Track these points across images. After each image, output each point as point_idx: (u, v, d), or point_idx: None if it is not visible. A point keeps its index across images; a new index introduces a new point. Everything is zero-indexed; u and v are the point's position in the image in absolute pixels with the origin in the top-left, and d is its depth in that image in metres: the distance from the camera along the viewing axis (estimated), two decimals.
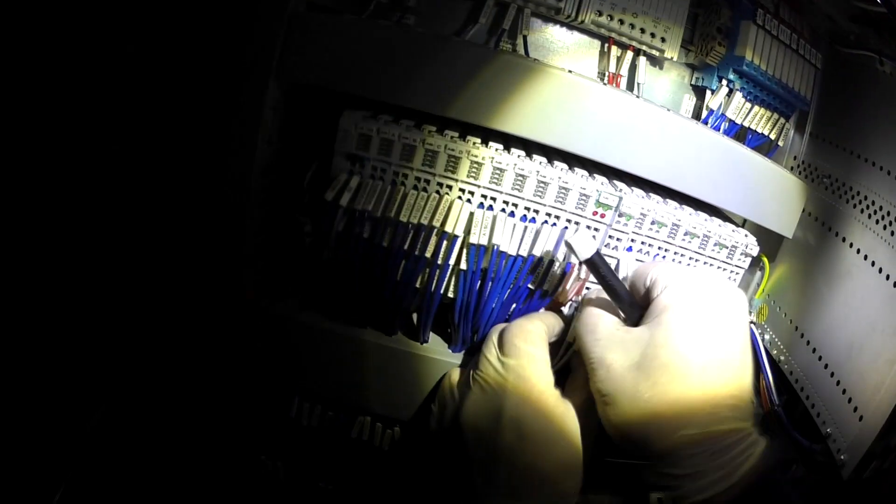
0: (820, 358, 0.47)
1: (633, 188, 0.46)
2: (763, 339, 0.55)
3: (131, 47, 0.49)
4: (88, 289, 0.51)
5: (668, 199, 0.47)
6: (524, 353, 0.38)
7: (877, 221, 0.44)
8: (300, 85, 0.42)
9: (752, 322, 0.56)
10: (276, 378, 0.47)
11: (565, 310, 0.44)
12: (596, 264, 0.37)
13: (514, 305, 0.44)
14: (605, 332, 0.37)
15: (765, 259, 0.57)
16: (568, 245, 0.38)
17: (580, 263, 0.38)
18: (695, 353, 0.34)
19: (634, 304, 0.39)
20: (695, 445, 0.33)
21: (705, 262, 0.49)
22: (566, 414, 0.38)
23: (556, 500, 0.38)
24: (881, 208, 0.44)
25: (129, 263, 0.51)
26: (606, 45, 0.49)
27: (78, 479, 0.50)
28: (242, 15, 0.42)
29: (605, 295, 0.40)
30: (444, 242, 0.41)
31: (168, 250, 0.49)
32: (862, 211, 0.46)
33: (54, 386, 0.50)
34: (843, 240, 0.48)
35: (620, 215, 0.44)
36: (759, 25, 0.45)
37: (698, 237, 0.47)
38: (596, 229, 0.44)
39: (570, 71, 0.43)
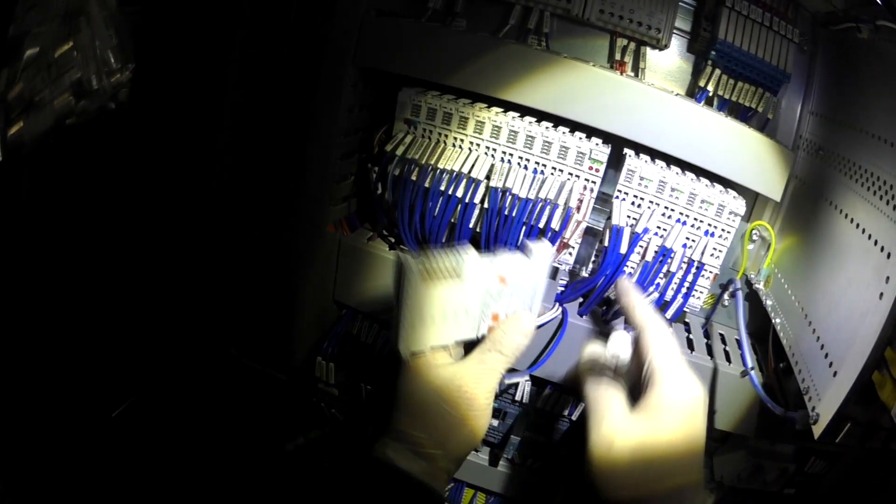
0: (806, 316, 0.53)
1: (639, 155, 0.57)
2: (767, 305, 0.62)
3: (242, 33, 0.66)
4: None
5: (658, 161, 0.58)
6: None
7: (862, 184, 0.50)
8: (371, 69, 0.58)
9: (759, 288, 0.65)
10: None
11: None
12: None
13: None
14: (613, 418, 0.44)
15: (770, 230, 0.65)
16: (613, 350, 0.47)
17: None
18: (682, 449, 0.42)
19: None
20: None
21: (695, 219, 0.58)
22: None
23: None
24: (860, 168, 0.50)
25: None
26: (613, 36, 0.60)
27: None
28: (326, 16, 0.58)
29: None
30: (472, 186, 0.55)
31: (268, 196, 0.67)
32: (847, 175, 0.53)
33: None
34: (834, 206, 0.54)
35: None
36: (729, 8, 0.55)
37: (684, 193, 0.57)
38: (594, 182, 0.56)
39: (576, 59, 0.55)
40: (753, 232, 0.65)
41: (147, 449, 0.72)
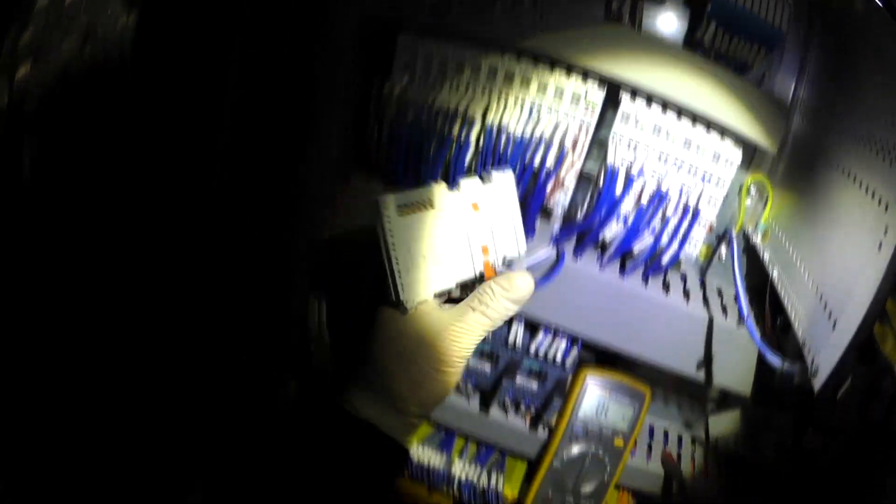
0: (804, 269, 0.53)
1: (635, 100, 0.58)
2: (764, 260, 0.61)
3: None
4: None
5: (654, 106, 0.58)
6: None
7: (858, 142, 0.50)
8: (373, 16, 0.59)
9: (756, 243, 0.65)
10: None
11: None
12: None
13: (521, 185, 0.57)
14: None
15: (767, 184, 0.65)
16: None
17: None
18: None
19: None
20: None
21: (691, 165, 0.59)
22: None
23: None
24: (856, 127, 0.51)
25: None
26: None
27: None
28: None
29: None
30: (467, 125, 0.56)
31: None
32: (844, 135, 0.53)
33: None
34: (831, 163, 0.54)
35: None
36: None
37: (679, 138, 0.58)
38: (589, 123, 0.57)
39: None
40: (751, 187, 0.65)
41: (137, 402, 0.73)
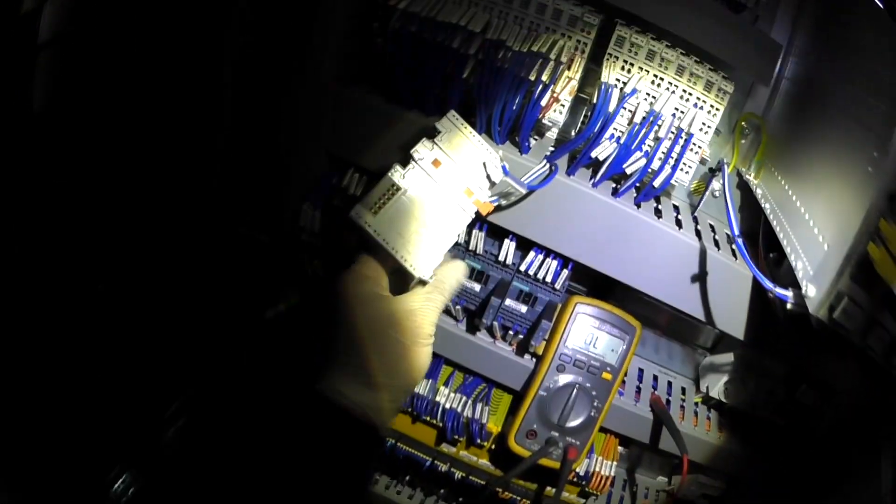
0: (796, 199, 0.54)
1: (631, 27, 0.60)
2: (757, 195, 0.62)
3: None
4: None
5: (649, 33, 0.60)
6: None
7: (848, 78, 0.52)
8: None
9: (749, 179, 0.65)
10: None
11: None
12: None
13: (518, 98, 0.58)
14: None
15: (761, 121, 0.66)
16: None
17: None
18: None
19: None
20: None
21: (684, 90, 0.60)
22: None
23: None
24: (846, 63, 0.53)
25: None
26: None
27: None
28: None
29: None
30: (467, 37, 0.58)
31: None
32: (835, 73, 0.55)
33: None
34: (822, 100, 0.56)
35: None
36: None
37: (673, 64, 0.59)
38: (585, 44, 0.59)
39: None
40: (745, 125, 0.66)
41: (128, 322, 0.73)
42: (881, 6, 0.47)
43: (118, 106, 0.69)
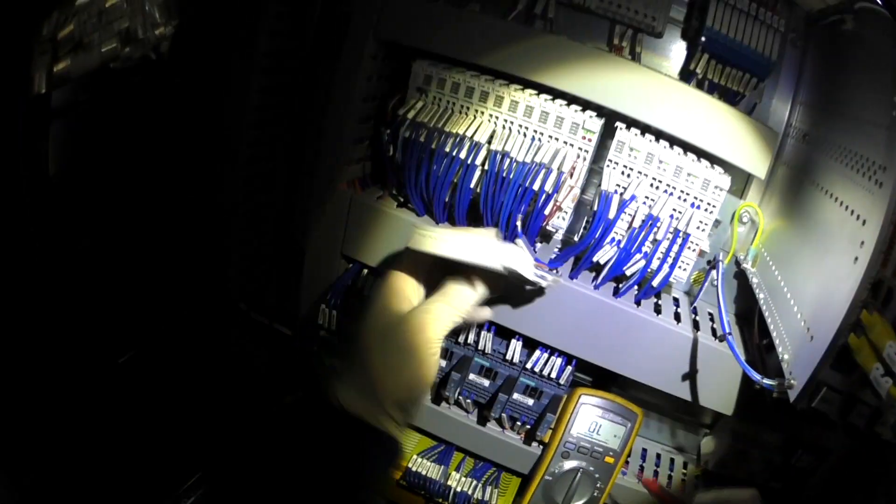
0: (786, 290, 0.56)
1: (630, 129, 0.61)
2: (753, 283, 0.64)
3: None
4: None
5: (648, 136, 0.61)
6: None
7: (843, 163, 0.53)
8: (389, 42, 0.64)
9: (746, 267, 0.67)
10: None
11: None
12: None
13: (522, 207, 0.61)
14: None
15: (758, 210, 0.68)
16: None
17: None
18: None
19: None
20: None
21: (682, 192, 0.62)
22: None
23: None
24: (842, 148, 0.53)
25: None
26: (612, 23, 0.65)
27: None
28: None
29: None
30: (474, 148, 0.60)
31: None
32: (831, 156, 0.56)
33: None
34: (817, 186, 0.57)
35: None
36: None
37: (671, 166, 0.61)
38: (586, 151, 0.61)
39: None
40: (743, 213, 0.68)
41: (151, 398, 0.76)
42: (881, 6, 0.48)
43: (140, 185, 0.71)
